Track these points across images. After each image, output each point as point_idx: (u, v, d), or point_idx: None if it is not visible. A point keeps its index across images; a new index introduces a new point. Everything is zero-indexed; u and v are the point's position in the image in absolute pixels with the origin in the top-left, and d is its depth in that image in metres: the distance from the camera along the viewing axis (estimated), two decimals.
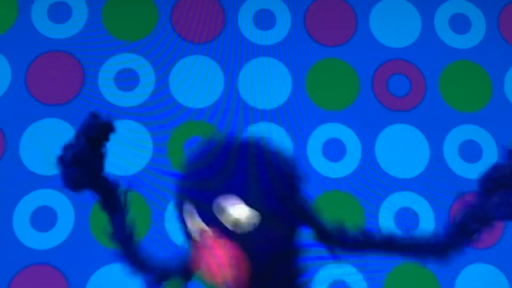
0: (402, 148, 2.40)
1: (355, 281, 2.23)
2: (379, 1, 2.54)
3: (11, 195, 2.24)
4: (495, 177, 0.98)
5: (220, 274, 0.89)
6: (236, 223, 0.91)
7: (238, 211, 0.90)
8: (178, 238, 2.23)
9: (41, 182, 2.25)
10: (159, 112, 2.36)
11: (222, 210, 0.91)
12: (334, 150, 2.38)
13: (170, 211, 2.26)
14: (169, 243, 2.22)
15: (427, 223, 2.32)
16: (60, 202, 2.24)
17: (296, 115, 2.39)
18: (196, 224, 0.93)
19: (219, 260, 0.88)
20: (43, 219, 2.23)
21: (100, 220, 2.20)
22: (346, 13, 2.51)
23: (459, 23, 2.54)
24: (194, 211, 0.93)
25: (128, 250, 1.11)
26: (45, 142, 2.29)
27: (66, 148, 1.01)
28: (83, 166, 1.01)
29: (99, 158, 1.05)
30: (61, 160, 1.01)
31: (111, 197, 1.08)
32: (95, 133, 1.02)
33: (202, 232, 0.92)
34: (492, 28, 2.54)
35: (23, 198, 2.24)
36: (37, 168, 2.26)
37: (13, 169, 2.26)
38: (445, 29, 2.53)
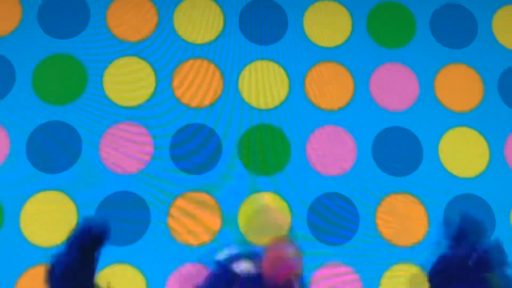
0: (400, 149, 2.42)
1: (351, 281, 2.27)
2: (376, 3, 2.56)
3: (18, 194, 2.27)
4: (444, 269, 0.96)
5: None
6: None
7: None
8: (178, 238, 2.28)
9: (47, 181, 2.28)
10: (162, 113, 2.38)
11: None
12: None
13: (171, 211, 2.32)
14: (169, 243, 2.25)
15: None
16: (64, 201, 2.28)
17: (295, 115, 2.42)
18: None
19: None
20: (49, 218, 2.25)
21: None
22: (343, 16, 2.53)
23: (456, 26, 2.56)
24: None
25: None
26: (50, 143, 2.32)
27: (57, 258, 0.98)
28: (73, 280, 0.97)
29: (90, 267, 1.00)
30: (51, 272, 0.97)
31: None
32: (88, 244, 0.99)
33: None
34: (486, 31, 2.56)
35: (29, 197, 2.26)
36: (43, 168, 2.29)
37: (20, 169, 2.29)
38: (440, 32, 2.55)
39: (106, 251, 2.19)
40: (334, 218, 2.30)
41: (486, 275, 0.91)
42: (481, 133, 2.44)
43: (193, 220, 2.28)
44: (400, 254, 2.28)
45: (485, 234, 0.94)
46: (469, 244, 0.92)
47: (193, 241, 2.26)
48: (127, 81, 2.41)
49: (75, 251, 0.97)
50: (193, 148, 2.36)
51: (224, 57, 2.45)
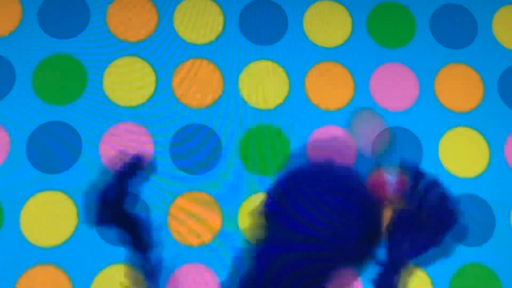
0: (400, 149, 2.43)
1: None
2: (377, 3, 2.56)
3: (18, 195, 2.27)
4: (398, 222, 0.98)
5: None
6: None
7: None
8: (179, 239, 2.28)
9: (46, 182, 2.29)
10: (162, 114, 2.39)
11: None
12: None
13: (172, 211, 2.33)
14: (169, 243, 2.27)
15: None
16: (63, 201, 2.28)
17: (295, 115, 2.42)
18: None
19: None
20: (48, 218, 2.26)
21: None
22: (343, 16, 2.53)
23: (455, 26, 2.55)
24: None
25: (153, 283, 1.13)
26: (50, 143, 2.33)
27: (107, 188, 1.04)
28: (121, 207, 1.04)
29: (134, 198, 1.07)
30: (103, 200, 1.04)
31: (139, 235, 1.10)
32: (135, 175, 1.05)
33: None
34: (486, 31, 2.55)
35: (29, 197, 2.27)
36: (43, 169, 2.30)
37: (19, 169, 2.30)
38: (440, 31, 2.55)
39: (104, 254, 2.21)
40: None
41: (432, 213, 0.94)
42: (481, 133, 2.45)
43: (193, 219, 2.29)
44: None
45: (424, 177, 0.96)
46: (416, 194, 0.96)
47: (193, 240, 2.27)
48: (127, 81, 2.41)
49: (123, 183, 1.04)
50: (192, 147, 2.37)
51: (224, 57, 2.45)
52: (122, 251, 2.21)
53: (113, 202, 1.04)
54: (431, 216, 0.95)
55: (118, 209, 1.05)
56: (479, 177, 2.41)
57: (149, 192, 2.28)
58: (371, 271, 1.00)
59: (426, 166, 2.40)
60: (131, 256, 1.13)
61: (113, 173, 1.05)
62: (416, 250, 0.96)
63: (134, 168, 1.06)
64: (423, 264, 1.00)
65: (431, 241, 0.96)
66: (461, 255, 2.33)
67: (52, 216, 2.26)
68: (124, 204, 1.06)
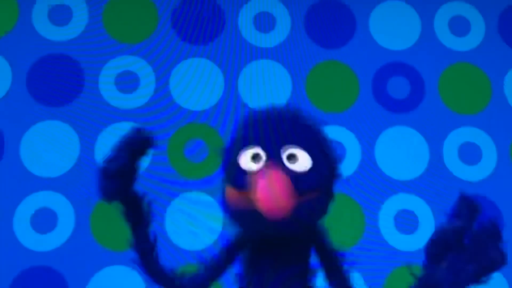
0: (402, 150, 2.41)
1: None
2: (379, 3, 2.54)
3: (12, 197, 2.24)
4: (439, 241, 0.97)
5: (273, 202, 0.92)
6: (297, 168, 0.97)
7: (301, 159, 0.97)
8: (178, 241, 2.24)
9: (41, 183, 2.26)
10: (160, 115, 2.36)
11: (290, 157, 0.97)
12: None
13: (170, 214, 2.27)
14: (169, 246, 2.22)
15: (427, 225, 2.33)
16: (60, 203, 2.25)
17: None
18: (256, 158, 0.98)
19: (276, 189, 0.92)
20: (44, 221, 2.23)
21: (101, 221, 2.21)
22: (346, 16, 2.52)
23: (459, 25, 2.54)
24: (259, 148, 0.98)
25: (149, 262, 1.12)
26: (45, 144, 2.29)
27: (110, 160, 1.03)
28: (124, 179, 1.04)
29: (135, 171, 1.07)
30: (105, 172, 1.03)
31: (136, 209, 1.09)
32: (137, 147, 1.05)
33: (264, 165, 0.97)
34: (492, 30, 2.54)
35: (23, 199, 2.24)
36: (38, 170, 2.27)
37: (14, 170, 2.26)
38: (444, 32, 2.53)
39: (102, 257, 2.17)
40: None
41: (482, 248, 0.93)
42: (488, 134, 2.42)
43: (193, 221, 2.25)
44: None
45: (481, 213, 0.97)
46: (466, 219, 0.96)
47: (193, 243, 2.22)
48: (126, 82, 2.38)
49: (126, 153, 1.03)
50: (191, 148, 2.33)
51: (225, 58, 2.43)
52: (121, 255, 2.17)
53: (116, 175, 1.03)
54: (474, 241, 0.94)
55: (120, 183, 1.04)
56: (487, 179, 2.38)
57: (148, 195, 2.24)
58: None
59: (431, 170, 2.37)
60: (130, 232, 1.11)
61: (116, 146, 1.05)
62: (456, 278, 0.94)
63: (136, 142, 1.05)
64: None
65: (474, 276, 0.94)
66: None
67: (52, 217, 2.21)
68: (126, 177, 1.05)
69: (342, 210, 2.31)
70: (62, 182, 2.26)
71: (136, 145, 1.05)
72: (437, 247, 0.98)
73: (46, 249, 2.20)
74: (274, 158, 0.96)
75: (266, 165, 0.96)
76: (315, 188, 0.99)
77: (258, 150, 0.98)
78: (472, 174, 2.39)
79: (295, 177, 0.95)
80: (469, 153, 2.41)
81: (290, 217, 0.93)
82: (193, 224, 2.24)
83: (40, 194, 2.25)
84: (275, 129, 1.00)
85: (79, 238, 2.22)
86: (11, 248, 2.19)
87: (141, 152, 1.06)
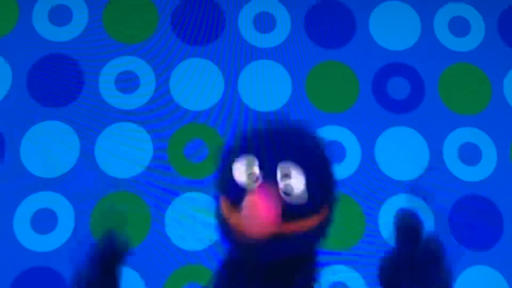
0: (402, 150, 2.41)
1: (353, 278, 2.23)
2: (379, 4, 2.54)
3: (12, 197, 2.24)
4: (390, 265, 0.97)
5: (259, 225, 0.88)
6: (290, 190, 0.92)
7: (296, 181, 0.92)
8: (178, 241, 2.24)
9: (41, 184, 2.25)
10: (160, 115, 2.36)
11: (283, 175, 0.92)
12: (334, 152, 2.38)
13: (170, 214, 2.27)
14: (169, 246, 2.22)
15: (427, 226, 2.32)
16: (60, 203, 2.25)
17: (296, 117, 2.39)
18: (250, 175, 0.93)
19: (263, 211, 0.88)
20: (44, 221, 2.23)
21: (100, 222, 2.20)
22: (346, 16, 2.52)
23: (459, 26, 2.54)
24: (255, 162, 0.93)
25: None
26: (46, 144, 2.29)
27: (81, 274, 0.98)
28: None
29: (113, 282, 1.00)
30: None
31: None
32: (110, 259, 0.99)
33: (255, 182, 0.92)
34: (492, 31, 2.54)
35: (23, 200, 2.24)
36: (38, 171, 2.27)
37: (14, 171, 2.26)
38: (444, 32, 2.53)
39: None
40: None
41: (431, 268, 0.93)
42: (488, 134, 2.41)
43: (193, 221, 2.25)
44: None
45: (424, 228, 0.98)
46: (412, 239, 0.96)
47: (193, 243, 2.22)
48: (125, 82, 2.38)
49: (97, 266, 0.97)
50: (192, 149, 2.33)
51: (224, 58, 2.43)
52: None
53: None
54: (423, 260, 0.95)
55: None
56: (487, 179, 2.38)
57: (147, 195, 2.24)
58: None
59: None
60: None
61: (97, 260, 0.98)
62: None
63: (109, 252, 0.98)
64: None
65: None
66: (465, 259, 2.29)
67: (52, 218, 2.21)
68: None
69: (342, 210, 2.31)
70: (62, 182, 2.26)
71: (108, 255, 0.98)
72: (389, 271, 0.97)
73: (46, 249, 2.20)
74: (268, 177, 0.91)
75: (259, 185, 0.91)
76: (305, 217, 0.93)
77: (253, 164, 0.93)
78: (472, 174, 2.39)
79: (285, 202, 0.90)
80: (469, 154, 2.41)
81: (267, 243, 0.89)
82: (193, 224, 2.24)
83: (40, 195, 2.25)
84: (274, 144, 0.94)
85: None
86: (11, 248, 2.19)
87: (115, 262, 0.99)
